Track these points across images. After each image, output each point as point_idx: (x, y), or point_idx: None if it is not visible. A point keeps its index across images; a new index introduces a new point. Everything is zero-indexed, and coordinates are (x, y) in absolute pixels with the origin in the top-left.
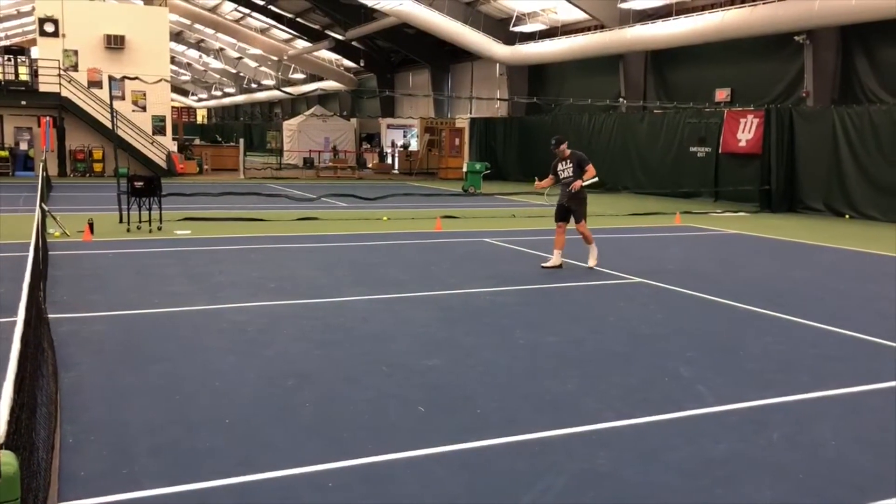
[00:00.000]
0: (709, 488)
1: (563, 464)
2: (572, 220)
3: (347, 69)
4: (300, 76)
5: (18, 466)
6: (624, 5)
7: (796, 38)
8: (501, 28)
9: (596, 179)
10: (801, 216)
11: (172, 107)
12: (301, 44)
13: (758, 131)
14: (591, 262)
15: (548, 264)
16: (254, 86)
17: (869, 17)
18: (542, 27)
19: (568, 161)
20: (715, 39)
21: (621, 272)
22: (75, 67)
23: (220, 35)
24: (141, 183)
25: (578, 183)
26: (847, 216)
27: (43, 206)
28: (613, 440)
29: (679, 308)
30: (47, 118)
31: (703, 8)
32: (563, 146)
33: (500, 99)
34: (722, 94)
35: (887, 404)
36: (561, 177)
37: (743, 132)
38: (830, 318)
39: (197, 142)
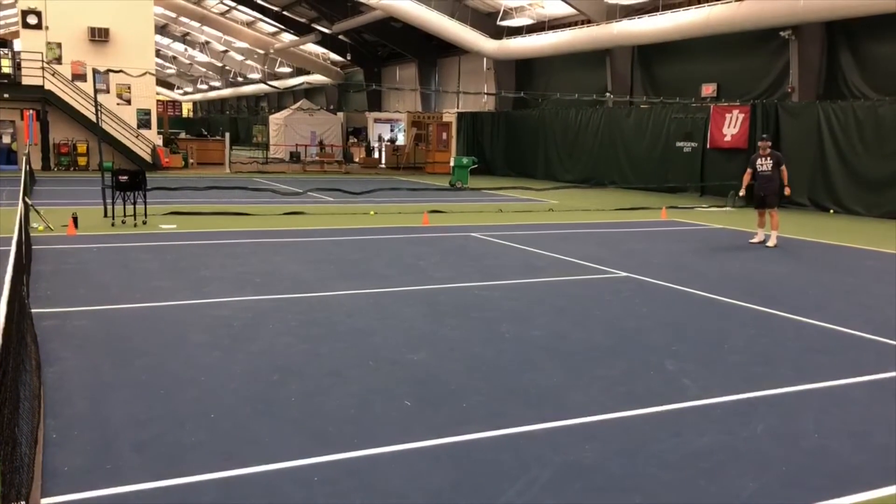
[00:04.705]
0: (693, 480)
1: (549, 457)
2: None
3: (334, 63)
4: (286, 70)
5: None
6: (611, 0)
7: (782, 33)
8: (488, 22)
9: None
10: (786, 211)
11: (158, 100)
12: (287, 37)
13: (743, 126)
14: (772, 243)
15: (754, 240)
16: (240, 79)
17: (854, 12)
18: (530, 22)
19: (768, 158)
20: (701, 35)
21: (607, 266)
22: (59, 60)
23: (205, 28)
24: (126, 177)
25: (788, 190)
26: (831, 211)
27: (26, 200)
28: (599, 433)
29: (664, 302)
30: (30, 111)
31: (690, 3)
32: (769, 144)
33: (487, 93)
34: (708, 90)
35: (868, 397)
36: (759, 170)
37: (729, 127)
38: (814, 312)
39: (182, 135)
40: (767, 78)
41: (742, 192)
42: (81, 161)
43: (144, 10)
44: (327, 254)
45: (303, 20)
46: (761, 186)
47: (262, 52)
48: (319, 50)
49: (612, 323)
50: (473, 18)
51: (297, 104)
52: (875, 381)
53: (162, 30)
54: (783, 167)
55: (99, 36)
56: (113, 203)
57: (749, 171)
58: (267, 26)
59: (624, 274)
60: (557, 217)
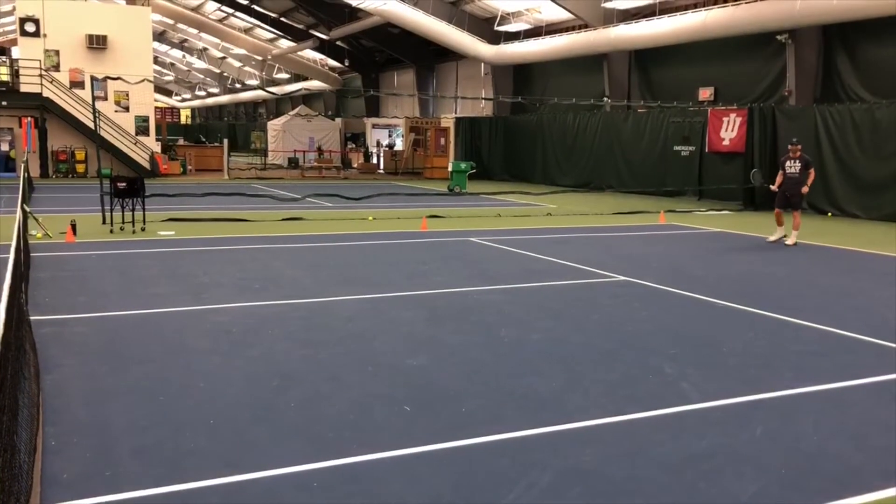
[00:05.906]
0: (692, 482)
1: (548, 461)
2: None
3: (332, 69)
4: (284, 76)
5: None
6: (608, 5)
7: (778, 37)
8: (486, 27)
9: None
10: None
11: (156, 107)
12: (285, 43)
13: (741, 130)
14: (791, 241)
15: (772, 238)
16: (238, 86)
17: (850, 16)
18: (527, 27)
19: (797, 161)
20: (698, 39)
21: (606, 270)
22: (57, 67)
23: (203, 35)
24: (124, 184)
25: (806, 189)
26: (829, 214)
27: (25, 207)
28: (598, 437)
29: (663, 306)
30: (29, 119)
31: (687, 7)
32: (799, 147)
33: (484, 98)
34: (705, 93)
35: (866, 399)
36: (787, 172)
37: (726, 131)
38: (812, 315)
39: (181, 142)
40: (764, 81)
41: (774, 188)
42: (80, 168)
43: (142, 17)
44: (326, 259)
45: (300, 26)
46: (788, 187)
47: (259, 58)
48: (317, 56)
49: (610, 327)
50: (471, 24)
51: (296, 110)
52: (874, 383)
53: (160, 36)
54: (811, 169)
55: (97, 43)
56: (111, 210)
57: (781, 172)
58: (265, 33)
59: (622, 278)
60: (556, 221)
